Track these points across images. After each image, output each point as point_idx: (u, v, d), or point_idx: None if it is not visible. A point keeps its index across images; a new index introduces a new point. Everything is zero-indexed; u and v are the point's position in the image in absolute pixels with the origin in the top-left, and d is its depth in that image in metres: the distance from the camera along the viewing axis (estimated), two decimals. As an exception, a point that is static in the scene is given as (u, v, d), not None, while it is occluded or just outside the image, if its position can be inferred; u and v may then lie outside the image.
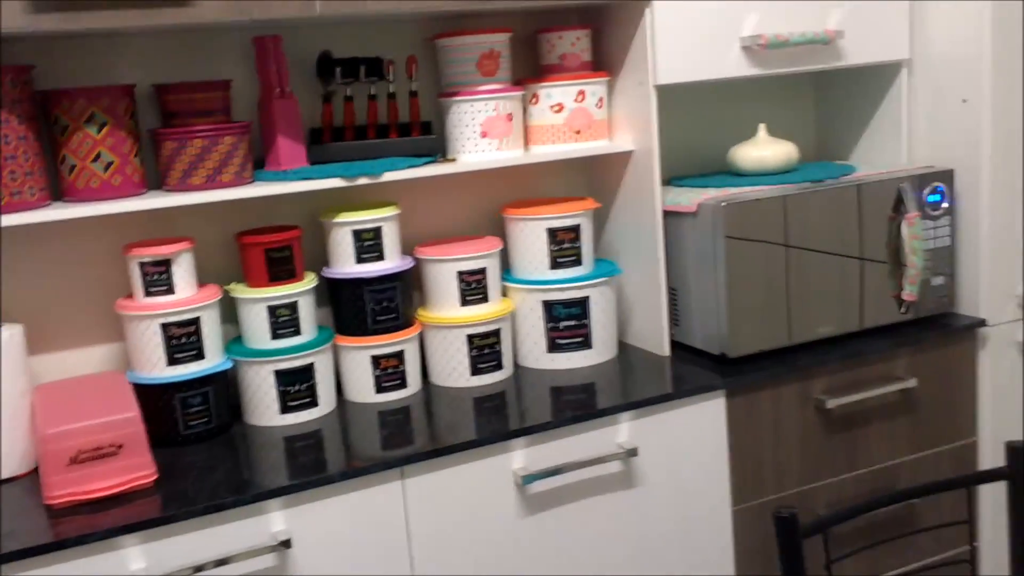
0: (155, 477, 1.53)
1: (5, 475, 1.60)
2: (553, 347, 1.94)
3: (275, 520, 1.49)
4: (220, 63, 1.83)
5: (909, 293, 1.95)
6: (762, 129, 2.04)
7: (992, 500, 2.05)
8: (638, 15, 1.85)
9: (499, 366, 1.90)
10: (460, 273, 1.87)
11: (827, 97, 2.31)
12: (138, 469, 1.51)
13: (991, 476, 1.40)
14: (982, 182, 1.97)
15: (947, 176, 1.98)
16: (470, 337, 1.87)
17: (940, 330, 1.98)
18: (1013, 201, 2.00)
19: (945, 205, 1.99)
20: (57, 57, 1.72)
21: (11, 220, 1.54)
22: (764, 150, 2.01)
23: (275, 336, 1.76)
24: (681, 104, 2.19)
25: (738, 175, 2.05)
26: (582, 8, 1.99)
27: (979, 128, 1.96)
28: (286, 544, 1.47)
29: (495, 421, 1.69)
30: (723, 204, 1.80)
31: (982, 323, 2.01)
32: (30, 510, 1.47)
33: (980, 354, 2.03)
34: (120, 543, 1.40)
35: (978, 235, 1.99)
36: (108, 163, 1.63)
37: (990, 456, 2.05)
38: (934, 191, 1.97)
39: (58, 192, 1.67)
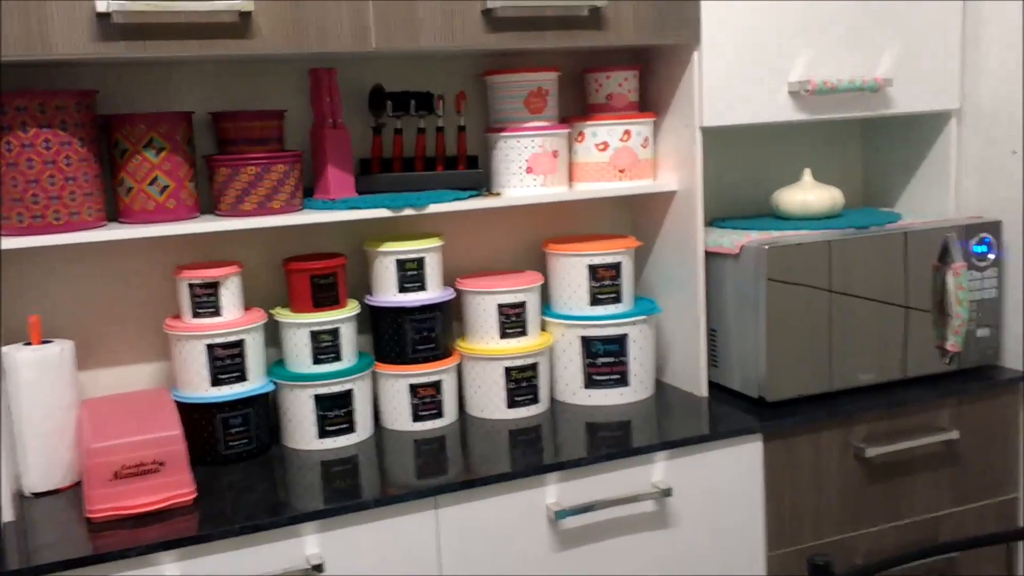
0: (194, 495, 1.56)
1: (50, 487, 1.64)
2: (590, 383, 1.95)
3: (309, 543, 1.51)
4: (276, 93, 1.88)
5: (953, 344, 1.93)
6: (807, 173, 2.04)
7: (1035, 558, 2.01)
8: (686, 57, 1.87)
9: (536, 400, 1.91)
10: (500, 306, 1.89)
11: (874, 143, 2.30)
12: (178, 487, 1.54)
13: (1031, 533, 1.37)
14: (1030, 234, 1.95)
15: (994, 227, 1.97)
16: (508, 370, 1.88)
17: (984, 382, 1.96)
18: (1062, 254, 1.97)
19: (992, 256, 1.96)
20: (120, 82, 1.78)
21: (70, 239, 1.59)
22: (808, 194, 2.01)
23: (316, 361, 1.78)
24: (726, 145, 2.20)
25: (781, 218, 2.05)
26: (630, 49, 2.01)
27: (1028, 179, 1.94)
28: (319, 568, 1.49)
29: (530, 454, 1.69)
30: (766, 247, 1.80)
31: (1027, 377, 1.98)
32: (72, 522, 1.51)
33: (1023, 408, 2.00)
34: (157, 559, 1.43)
35: (1025, 287, 1.97)
36: (164, 187, 1.68)
37: (1033, 513, 2.01)
38: (981, 242, 1.95)
39: (114, 213, 1.73)
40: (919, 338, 1.94)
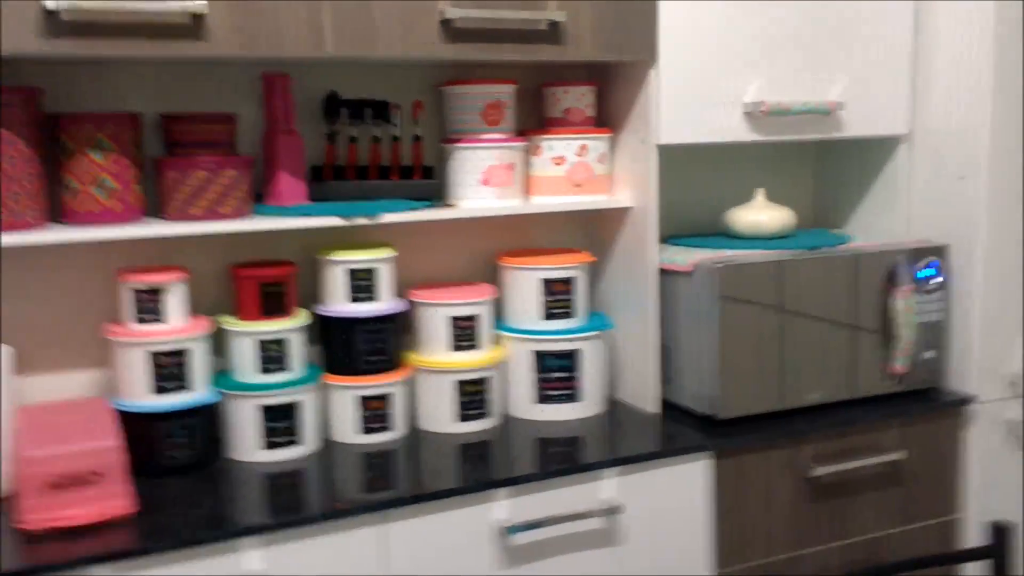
0: (133, 508, 1.51)
1: (-20, 497, 1.58)
2: (542, 398, 1.93)
3: (252, 559, 1.47)
4: (228, 97, 1.84)
5: (899, 365, 1.96)
6: (760, 194, 2.06)
7: (975, 578, 2.03)
8: (643, 75, 1.87)
9: (487, 414, 1.89)
10: (453, 318, 1.87)
11: (826, 166, 2.34)
12: (116, 498, 1.49)
13: (975, 555, 1.39)
14: (976, 259, 1.98)
15: (942, 251, 2.00)
16: (459, 383, 1.86)
17: (928, 404, 1.99)
18: (1007, 278, 2.01)
19: (939, 280, 2.00)
20: (67, 81, 1.73)
21: (10, 240, 1.54)
22: (761, 214, 2.03)
23: (263, 371, 1.75)
24: (681, 164, 2.21)
25: (734, 238, 2.06)
26: (589, 65, 2.01)
27: (975, 205, 1.98)
28: (260, 584, 1.45)
29: (480, 469, 1.67)
30: (719, 265, 1.81)
31: (970, 400, 2.01)
32: (5, 534, 1.45)
33: (967, 431, 2.03)
34: (93, 573, 1.38)
35: (970, 311, 2.00)
36: (110, 189, 1.64)
37: (974, 533, 2.04)
38: (928, 265, 1.98)
39: (58, 215, 1.68)
40: (867, 359, 1.96)
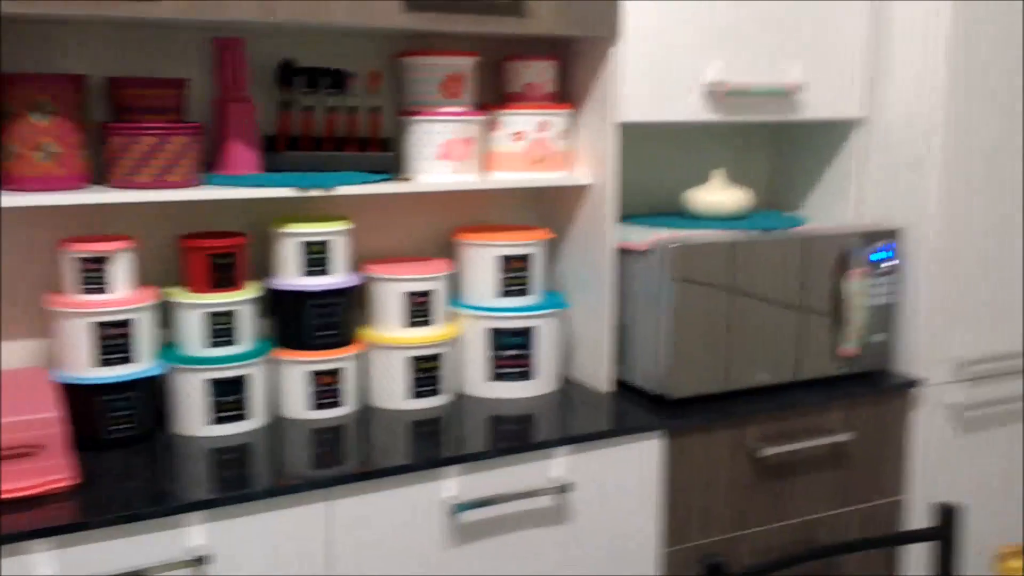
0: (73, 481, 1.48)
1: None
2: (495, 375, 1.93)
3: (194, 534, 1.45)
4: (178, 61, 1.79)
5: (848, 348, 1.98)
6: (718, 174, 2.06)
7: (916, 559, 2.07)
8: (605, 52, 1.86)
9: (439, 391, 1.88)
10: (407, 294, 1.85)
11: (783, 148, 2.34)
12: (56, 471, 1.46)
13: (920, 536, 1.41)
14: (927, 243, 2.01)
15: (894, 235, 2.02)
16: (412, 359, 1.85)
17: (875, 386, 2.01)
18: (957, 263, 2.04)
19: (890, 264, 2.02)
20: (9, 41, 1.67)
21: (-56, 204, 1.49)
22: (718, 195, 2.03)
23: (211, 344, 1.72)
24: (640, 143, 2.20)
25: (691, 217, 2.06)
26: (550, 40, 1.99)
27: (928, 190, 2.00)
28: (204, 560, 1.43)
29: (430, 447, 1.66)
30: (672, 245, 1.81)
31: (917, 383, 2.04)
32: (-64, 507, 1.41)
33: (913, 413, 2.06)
34: (30, 547, 1.35)
35: (920, 295, 2.03)
36: (52, 153, 1.58)
37: (916, 515, 2.08)
38: (880, 249, 2.00)
39: (-3, 179, 1.62)
40: (816, 341, 1.98)
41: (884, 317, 2.03)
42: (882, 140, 2.09)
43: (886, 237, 2.01)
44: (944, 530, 1.39)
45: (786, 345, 1.95)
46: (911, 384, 2.04)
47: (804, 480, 1.96)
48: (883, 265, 2.01)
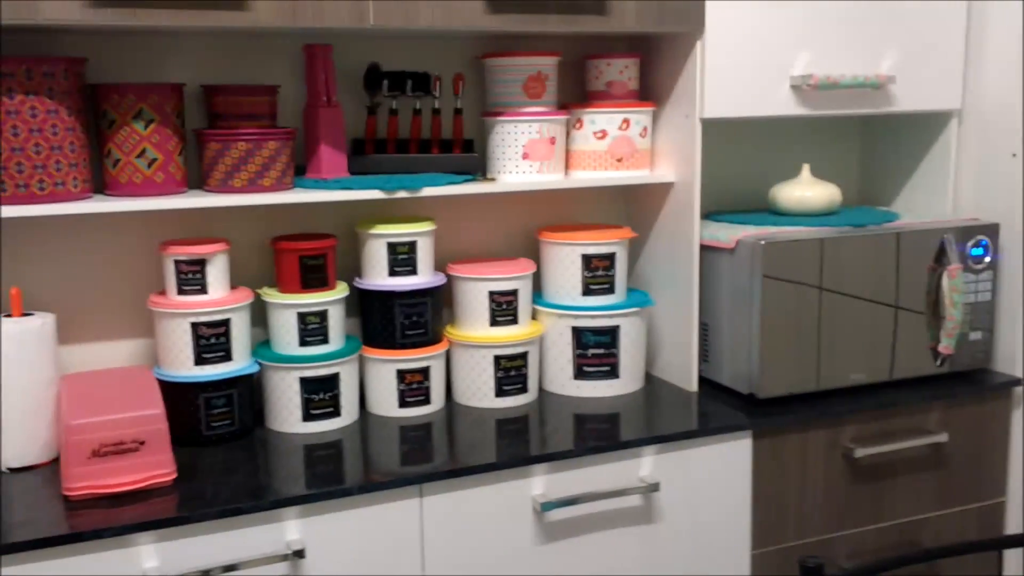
0: (174, 476, 1.53)
1: (27, 463, 1.60)
2: (580, 374, 1.92)
3: (289, 529, 1.48)
4: (270, 68, 1.84)
5: (946, 346, 1.92)
6: (805, 169, 2.02)
7: (1017, 563, 2.00)
8: (688, 47, 1.84)
9: (524, 389, 1.89)
10: (491, 293, 1.86)
11: (874, 142, 2.28)
12: (158, 467, 1.51)
13: (1021, 540, 1.36)
14: (1027, 238, 1.94)
15: (992, 230, 1.95)
16: (497, 358, 1.86)
17: (974, 386, 1.95)
18: (1058, 260, 1.96)
19: (988, 259, 1.95)
20: (110, 51, 1.74)
21: (53, 210, 1.55)
22: (806, 190, 1.99)
23: (303, 343, 1.75)
24: (725, 138, 2.18)
25: (778, 214, 2.03)
26: (632, 37, 1.98)
27: (1028, 183, 1.93)
28: (299, 554, 1.46)
29: (517, 445, 1.67)
30: (762, 242, 1.78)
31: (1018, 382, 1.97)
32: (48, 500, 1.47)
33: (1014, 413, 1.99)
34: (134, 540, 1.40)
35: (1020, 292, 1.96)
36: (152, 160, 1.64)
37: (1016, 517, 2.00)
38: (978, 244, 1.94)
39: (100, 185, 1.69)
40: (911, 339, 1.92)
41: (982, 314, 1.97)
42: (977, 132, 2.02)
43: (983, 232, 1.94)
44: (1050, 534, 1.33)
45: (880, 344, 1.90)
46: (1012, 383, 1.97)
47: (901, 481, 1.91)
48: (981, 261, 1.94)
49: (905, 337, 1.92)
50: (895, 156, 2.21)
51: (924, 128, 2.12)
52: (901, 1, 1.94)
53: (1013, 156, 1.95)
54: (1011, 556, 2.01)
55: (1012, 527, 2.01)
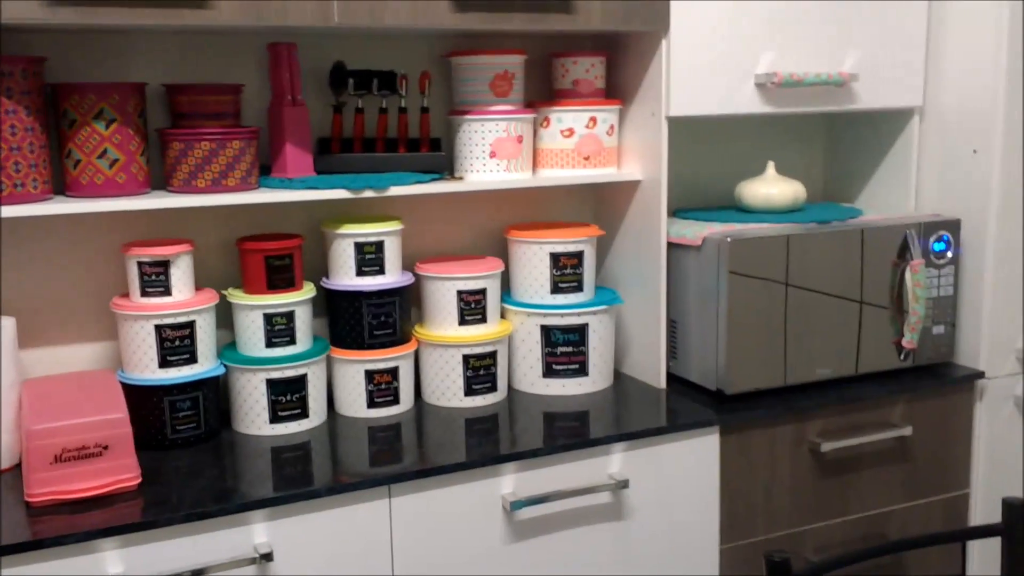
0: (139, 480, 1.51)
1: (-13, 469, 1.58)
2: (549, 372, 1.93)
3: (257, 532, 1.47)
4: (233, 67, 1.82)
5: (909, 341, 1.94)
6: (771, 167, 2.04)
7: (981, 554, 2.03)
8: (654, 46, 1.85)
9: (493, 388, 1.89)
10: (460, 292, 1.86)
11: (837, 139, 2.31)
12: (122, 471, 1.49)
13: (986, 531, 1.38)
14: (988, 233, 1.96)
15: (954, 226, 1.98)
16: (466, 357, 1.85)
17: (938, 379, 1.97)
18: (1018, 254, 1.99)
19: (950, 254, 1.98)
20: (69, 51, 1.71)
21: (12, 212, 1.52)
22: (772, 188, 2.01)
23: (269, 344, 1.74)
24: (691, 136, 2.19)
25: (744, 211, 2.04)
26: (598, 35, 1.99)
27: (988, 179, 1.95)
28: (267, 557, 1.45)
29: (486, 444, 1.67)
30: (728, 239, 1.80)
31: (981, 375, 2.00)
32: (10, 506, 1.45)
33: (977, 406, 2.02)
34: (99, 546, 1.38)
35: (981, 286, 1.99)
36: (114, 160, 1.62)
37: (981, 509, 2.04)
38: (940, 239, 1.97)
39: (61, 186, 1.66)
40: (875, 334, 1.95)
41: (945, 309, 1.99)
42: (939, 129, 2.05)
43: (945, 227, 1.97)
44: (1010, 525, 1.36)
45: (845, 339, 1.92)
46: (974, 376, 2.00)
47: (867, 475, 1.93)
48: (943, 256, 1.97)
49: (870, 332, 1.94)
50: (858, 153, 2.24)
51: (887, 125, 2.14)
52: (863, 0, 1.97)
53: (974, 153, 1.98)
54: (975, 547, 2.04)
55: (976, 518, 2.04)
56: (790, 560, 1.21)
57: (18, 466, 1.59)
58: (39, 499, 1.44)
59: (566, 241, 1.92)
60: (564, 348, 1.91)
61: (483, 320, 1.88)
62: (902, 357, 1.97)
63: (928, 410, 1.97)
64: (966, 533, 1.39)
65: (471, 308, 1.86)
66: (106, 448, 1.48)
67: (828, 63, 1.96)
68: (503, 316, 1.95)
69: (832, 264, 1.88)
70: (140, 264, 1.67)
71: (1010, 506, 1.36)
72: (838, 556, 1.28)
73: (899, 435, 1.92)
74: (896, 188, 2.14)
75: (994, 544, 1.90)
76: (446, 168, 1.90)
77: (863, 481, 1.93)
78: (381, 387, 1.82)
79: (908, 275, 1.92)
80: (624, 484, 1.69)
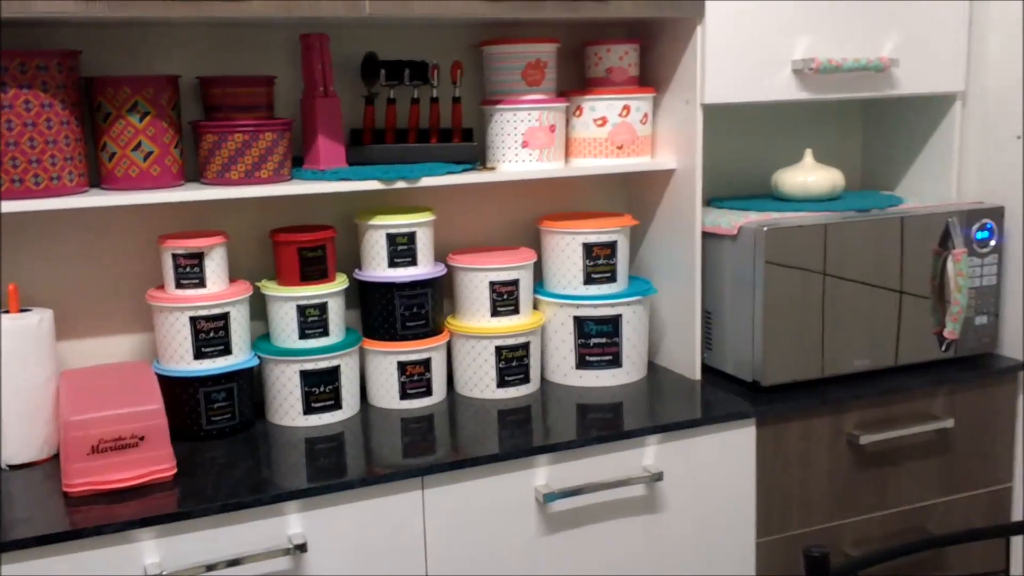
0: (174, 471, 1.52)
1: (27, 459, 1.59)
2: (582, 364, 1.91)
3: (292, 523, 1.47)
4: (266, 59, 1.82)
5: (951, 331, 1.90)
6: (808, 154, 2.01)
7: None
8: (689, 32, 1.82)
9: (526, 379, 1.88)
10: (492, 283, 1.85)
11: (876, 125, 2.26)
12: (158, 462, 1.50)
13: (1029, 527, 1.35)
14: (1033, 222, 1.92)
15: (996, 213, 1.93)
16: (499, 349, 1.84)
17: (980, 371, 1.93)
18: (1064, 243, 1.94)
19: (993, 243, 1.93)
20: (104, 44, 1.72)
21: (49, 204, 1.54)
22: (809, 176, 1.98)
23: (303, 336, 1.74)
24: (726, 124, 2.16)
25: (781, 200, 2.01)
26: (632, 22, 1.96)
27: (1033, 166, 1.91)
28: (301, 548, 1.45)
29: (519, 436, 1.66)
30: (765, 228, 1.77)
31: (1023, 366, 1.96)
32: (48, 497, 1.47)
33: (1021, 398, 1.98)
34: (135, 536, 1.39)
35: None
36: (148, 152, 1.63)
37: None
38: (983, 228, 1.92)
39: (96, 179, 1.67)
40: (915, 324, 1.91)
41: (987, 299, 1.95)
42: (981, 115, 2.00)
43: (988, 215, 1.92)
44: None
45: (885, 329, 1.88)
46: (1018, 368, 1.95)
47: (907, 468, 1.90)
48: (986, 244, 1.93)
49: (909, 322, 1.90)
50: (898, 140, 2.19)
51: (927, 111, 2.10)
52: (903, -17, 1.93)
53: (1017, 139, 1.93)
54: (1018, 543, 2.00)
55: (1019, 513, 2.00)
56: (828, 555, 1.19)
57: (56, 457, 1.61)
58: (76, 489, 1.46)
59: (599, 231, 1.90)
60: (597, 339, 1.90)
61: (516, 311, 1.87)
62: (943, 348, 1.94)
63: (970, 402, 1.93)
64: (1009, 528, 1.36)
65: (504, 299, 1.85)
66: (142, 439, 1.49)
67: (867, 48, 1.92)
68: (536, 307, 1.94)
69: (871, 253, 1.85)
70: (175, 256, 1.68)
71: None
72: (878, 551, 1.26)
73: (940, 427, 1.89)
74: (937, 175, 2.10)
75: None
76: (478, 158, 1.89)
77: (902, 474, 1.90)
78: (413, 378, 1.82)
79: (950, 264, 1.88)
80: (658, 477, 1.67)
